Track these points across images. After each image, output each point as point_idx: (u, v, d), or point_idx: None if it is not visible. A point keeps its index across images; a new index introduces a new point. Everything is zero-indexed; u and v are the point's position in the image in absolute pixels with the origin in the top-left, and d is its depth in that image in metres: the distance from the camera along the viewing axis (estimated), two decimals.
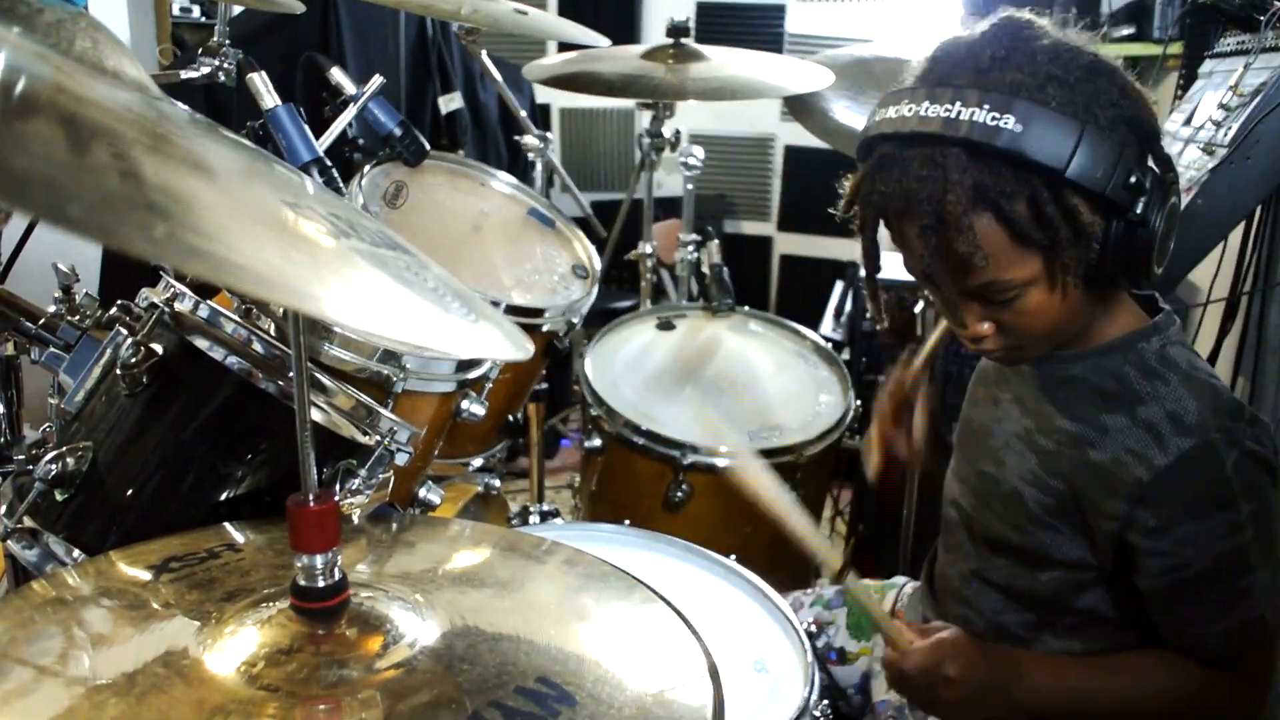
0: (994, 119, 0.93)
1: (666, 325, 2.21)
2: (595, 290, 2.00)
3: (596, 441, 1.93)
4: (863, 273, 1.15)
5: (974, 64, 0.97)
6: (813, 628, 1.25)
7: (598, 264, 2.06)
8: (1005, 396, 1.17)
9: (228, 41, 1.56)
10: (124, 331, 1.00)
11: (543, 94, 3.62)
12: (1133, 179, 0.94)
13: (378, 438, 1.06)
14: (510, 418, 2.08)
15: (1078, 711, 1.10)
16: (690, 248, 2.38)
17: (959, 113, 0.94)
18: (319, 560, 0.76)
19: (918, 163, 0.96)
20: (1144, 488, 1.01)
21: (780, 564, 1.83)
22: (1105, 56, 0.99)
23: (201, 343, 0.99)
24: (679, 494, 1.80)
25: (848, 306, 3.05)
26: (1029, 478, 1.11)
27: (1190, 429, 1.01)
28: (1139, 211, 0.95)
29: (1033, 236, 0.96)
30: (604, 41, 2.27)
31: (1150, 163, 0.97)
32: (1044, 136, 0.92)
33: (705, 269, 2.30)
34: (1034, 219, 0.95)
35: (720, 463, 1.81)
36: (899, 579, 1.48)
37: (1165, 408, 1.03)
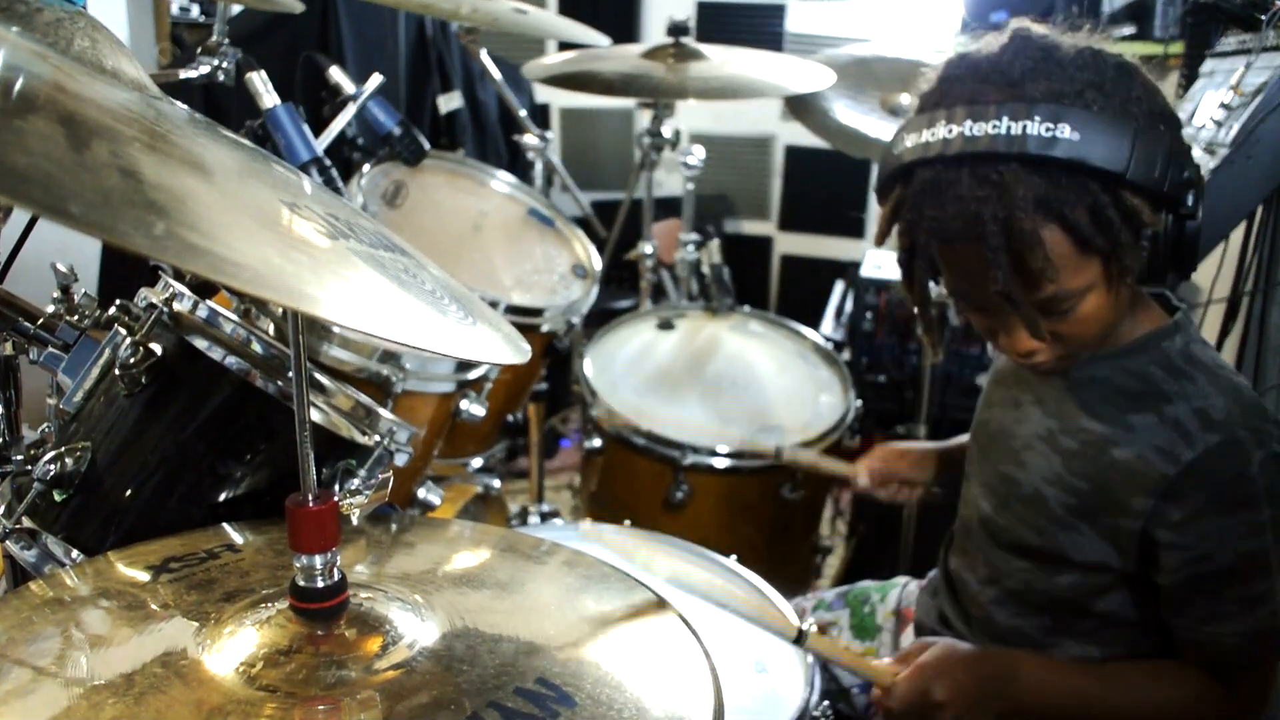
0: (1048, 130, 0.92)
1: (666, 325, 2.21)
2: (595, 290, 2.00)
3: (596, 441, 1.93)
4: (914, 306, 1.12)
5: (1004, 78, 0.96)
6: (813, 627, 1.24)
7: (597, 264, 2.06)
8: (1026, 398, 1.17)
9: (227, 41, 1.55)
10: (123, 331, 1.00)
11: (542, 93, 3.61)
12: (1185, 174, 0.95)
13: (377, 438, 1.06)
14: (510, 418, 2.08)
15: (1076, 713, 1.10)
16: (690, 248, 2.38)
17: (1009, 127, 0.93)
18: (318, 561, 0.75)
19: (972, 183, 0.94)
20: (1170, 482, 1.02)
21: (780, 564, 1.83)
22: (1124, 55, 1.00)
23: (200, 343, 0.99)
24: (679, 494, 1.80)
25: (848, 306, 3.05)
26: (1051, 478, 1.11)
27: (1218, 425, 1.02)
28: (1189, 204, 0.96)
29: (1095, 242, 0.95)
30: (604, 40, 2.27)
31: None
32: (1100, 142, 0.92)
33: (705, 269, 2.31)
34: (1095, 225, 0.95)
35: (720, 463, 1.81)
36: (900, 579, 1.48)
37: (1193, 405, 1.03)
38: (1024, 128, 0.92)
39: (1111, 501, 1.06)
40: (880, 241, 1.08)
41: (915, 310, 1.12)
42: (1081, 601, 1.12)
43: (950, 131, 0.95)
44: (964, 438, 1.36)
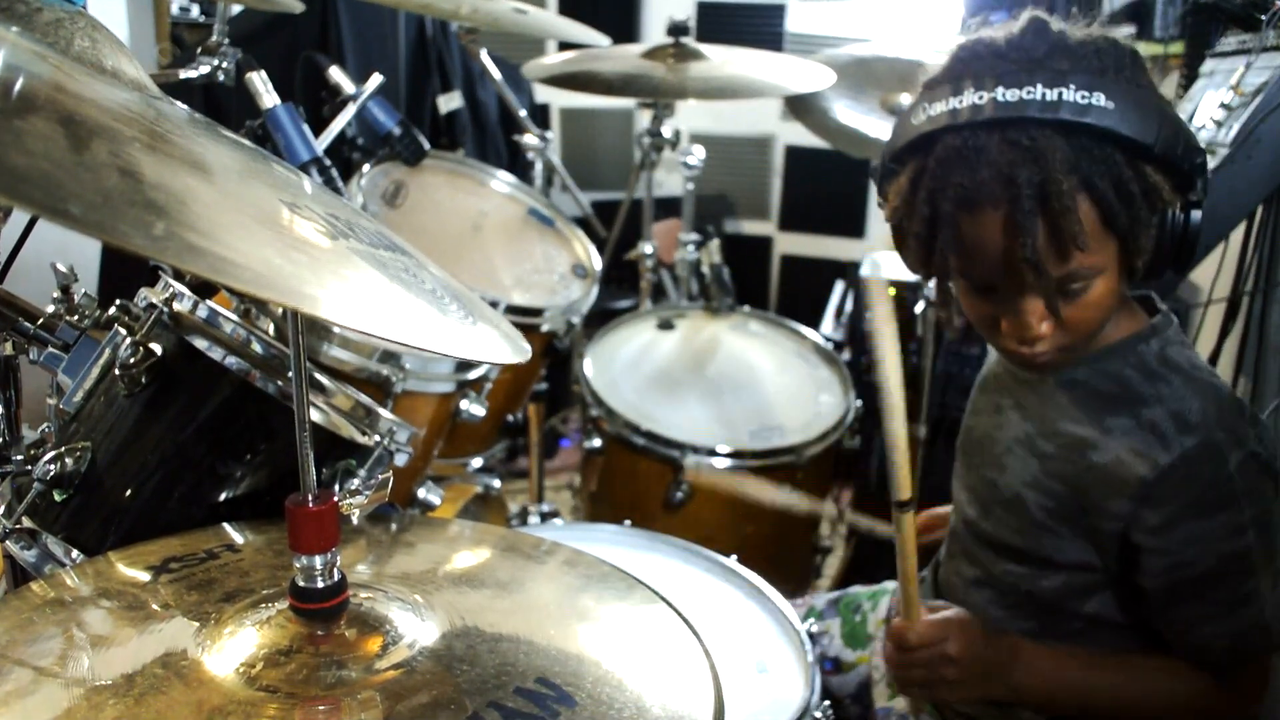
0: (1084, 97, 0.91)
1: (666, 325, 2.21)
2: (595, 290, 2.00)
3: (596, 442, 1.93)
4: (932, 283, 1.09)
5: (1027, 55, 0.95)
6: (814, 628, 1.25)
7: (597, 264, 2.06)
8: (1007, 403, 1.17)
9: (227, 40, 1.55)
10: (123, 331, 1.00)
11: (542, 93, 3.61)
12: (1198, 158, 0.95)
13: (377, 438, 1.06)
14: (510, 418, 2.08)
15: (1075, 705, 1.11)
16: (690, 248, 2.38)
17: (1044, 93, 0.91)
18: (318, 561, 0.75)
19: (1004, 147, 0.93)
20: (1148, 486, 1.01)
21: (780, 564, 1.83)
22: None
23: (200, 343, 0.99)
24: (679, 494, 1.80)
25: (848, 306, 3.05)
26: (1030, 481, 1.11)
27: (1194, 428, 1.01)
28: (1201, 190, 0.96)
29: (1119, 217, 0.94)
30: (604, 40, 2.27)
31: None
32: (1132, 112, 0.92)
33: (705, 269, 2.30)
34: (1120, 199, 0.94)
35: (720, 463, 1.81)
36: (891, 583, 1.47)
37: (1168, 408, 1.03)
38: (1059, 94, 0.91)
39: (1089, 505, 1.06)
40: (895, 218, 1.04)
41: (932, 286, 1.10)
42: (1067, 602, 1.12)
43: (980, 98, 0.93)
44: None
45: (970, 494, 1.21)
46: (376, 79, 1.68)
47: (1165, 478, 1.01)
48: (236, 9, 2.08)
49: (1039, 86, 0.92)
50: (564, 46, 2.44)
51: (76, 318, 1.03)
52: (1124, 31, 2.59)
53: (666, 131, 2.28)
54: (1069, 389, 1.10)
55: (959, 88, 0.95)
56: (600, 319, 2.24)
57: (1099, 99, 0.91)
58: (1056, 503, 1.09)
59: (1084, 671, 1.10)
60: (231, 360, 0.98)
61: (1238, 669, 1.07)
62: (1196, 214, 0.98)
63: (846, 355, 2.57)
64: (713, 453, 1.80)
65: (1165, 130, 0.93)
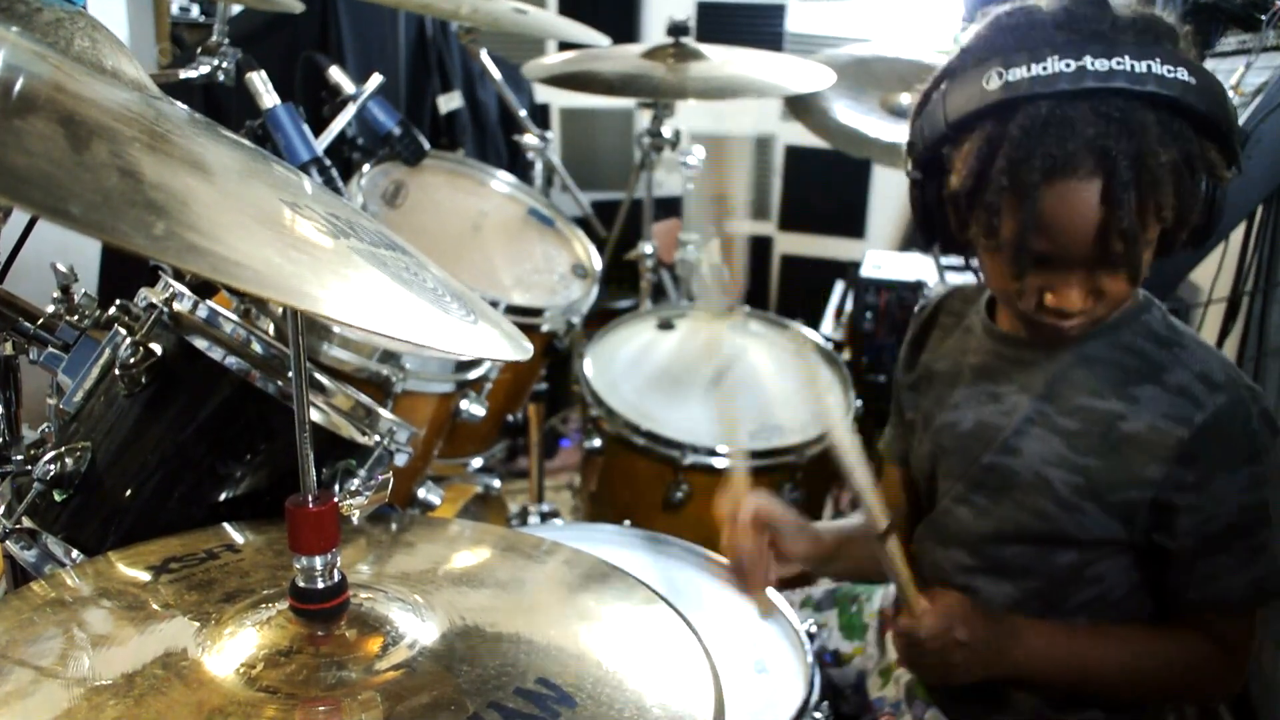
0: (1170, 71, 0.91)
1: (666, 325, 2.21)
2: (595, 290, 2.00)
3: (596, 442, 1.93)
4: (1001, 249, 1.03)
5: (1091, 26, 0.95)
6: (813, 627, 1.24)
7: (597, 264, 2.06)
8: (1007, 389, 1.16)
9: (227, 41, 1.55)
10: (123, 331, 1.00)
11: (542, 93, 3.61)
12: (1242, 138, 0.98)
13: (377, 438, 1.06)
14: (510, 418, 2.08)
15: (1076, 678, 1.12)
16: (690, 247, 2.38)
17: (1133, 65, 0.91)
18: (318, 561, 0.75)
19: (1094, 117, 0.92)
20: (1184, 445, 1.03)
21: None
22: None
23: (200, 343, 0.99)
24: (679, 494, 1.80)
25: (848, 306, 3.04)
26: (1054, 459, 1.11)
27: (1221, 386, 1.04)
28: (1237, 168, 0.98)
29: (1188, 190, 0.95)
30: (604, 40, 2.27)
31: None
32: (1207, 89, 0.93)
33: (705, 269, 2.30)
34: (1191, 174, 0.95)
35: (720, 463, 1.81)
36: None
37: (1192, 370, 1.05)
38: (1148, 67, 0.91)
39: (1124, 475, 1.07)
40: (970, 185, 0.99)
41: (933, 286, 1.11)
42: (1079, 576, 1.13)
43: (1068, 65, 0.92)
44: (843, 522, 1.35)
45: (970, 485, 1.19)
46: (376, 79, 1.68)
47: (1200, 435, 1.03)
48: (236, 9, 2.08)
49: (1127, 58, 0.91)
50: (564, 46, 2.44)
51: (76, 318, 1.04)
52: None
53: (666, 131, 2.28)
54: (1084, 364, 1.10)
55: (1038, 54, 0.93)
56: (600, 319, 2.23)
57: (1182, 73, 0.92)
58: (1086, 478, 1.09)
59: (1082, 645, 1.12)
60: (231, 360, 0.98)
61: (1236, 622, 1.10)
62: (1221, 194, 0.99)
63: (846, 355, 2.57)
64: (712, 453, 1.80)
65: (1229, 108, 0.95)
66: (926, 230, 1.13)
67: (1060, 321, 1.05)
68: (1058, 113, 0.93)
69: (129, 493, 0.98)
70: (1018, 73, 0.94)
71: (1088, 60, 0.92)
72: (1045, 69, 0.93)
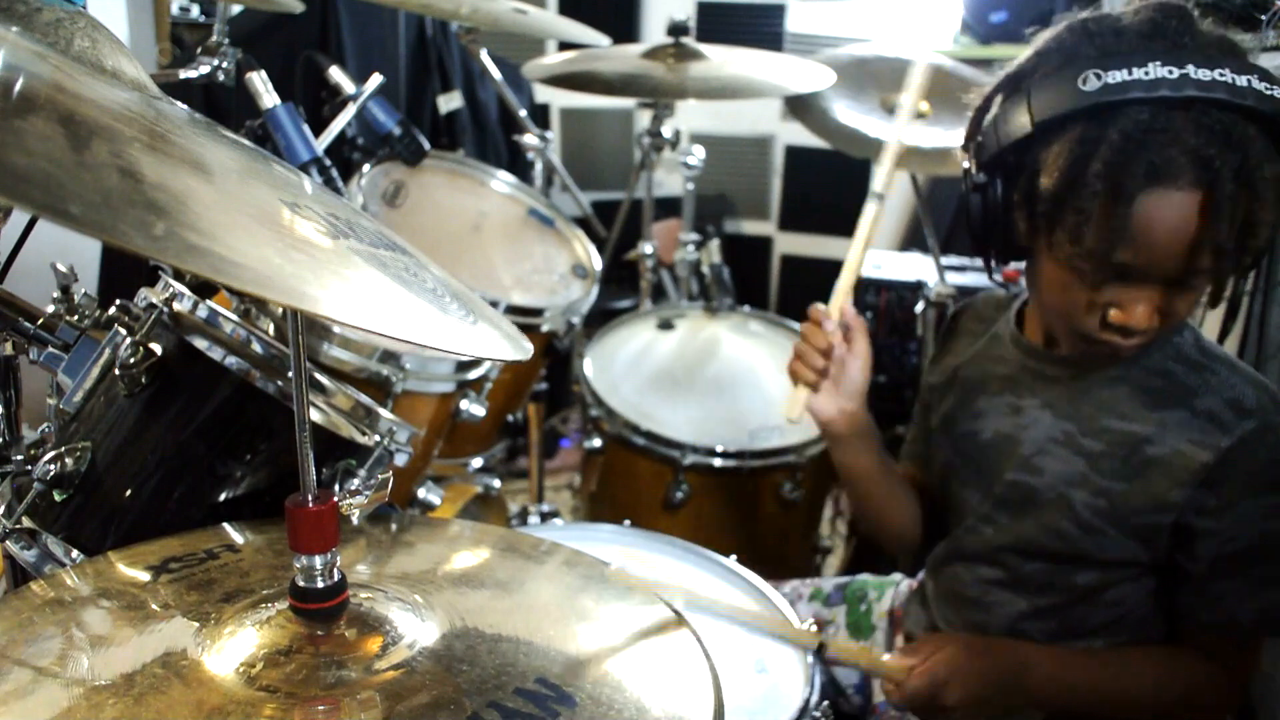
0: (1267, 87, 0.91)
1: (666, 325, 2.21)
2: (595, 290, 2.00)
3: (596, 442, 1.93)
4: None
5: (1175, 39, 0.94)
6: (813, 626, 1.24)
7: (597, 264, 2.06)
8: (1029, 403, 1.15)
9: (227, 41, 1.55)
10: (123, 331, 1.00)
11: (542, 93, 3.61)
12: None
13: (377, 438, 1.06)
14: (510, 418, 2.08)
15: (1085, 701, 1.11)
16: (690, 248, 2.38)
17: (1233, 79, 0.91)
18: (318, 561, 0.75)
19: (1194, 128, 0.91)
20: (1209, 470, 1.03)
21: (780, 564, 1.83)
22: None
23: (200, 343, 0.99)
24: (679, 494, 1.80)
25: None
26: (1076, 480, 1.10)
27: (1251, 412, 1.03)
28: None
29: (1270, 207, 0.94)
30: (604, 40, 2.27)
31: None
32: None
33: (705, 269, 2.30)
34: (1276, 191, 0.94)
35: (720, 463, 1.81)
36: (897, 575, 1.48)
37: (1223, 396, 1.04)
38: (1249, 81, 0.91)
39: (1146, 500, 1.06)
40: (1063, 187, 0.96)
41: (933, 286, 1.10)
42: (1099, 595, 1.12)
43: (1171, 73, 0.91)
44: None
45: (991, 499, 1.19)
46: (376, 79, 1.68)
47: (1226, 460, 1.02)
48: (236, 9, 2.08)
49: (1228, 71, 0.91)
50: (564, 46, 2.44)
51: (76, 318, 1.03)
52: None
53: (666, 131, 2.28)
54: (1110, 384, 1.09)
55: (1137, 59, 0.92)
56: (600, 319, 2.24)
57: (1277, 91, 0.92)
58: (1109, 500, 1.08)
59: (1093, 669, 1.11)
60: (231, 360, 0.98)
61: (1244, 648, 1.09)
62: None
63: None
64: (712, 453, 1.80)
65: None
66: (984, 235, 1.08)
67: (1121, 340, 1.02)
68: (1158, 120, 0.91)
69: (129, 493, 0.98)
70: (1118, 75, 0.92)
71: (1190, 69, 0.91)
72: (1147, 74, 0.91)
